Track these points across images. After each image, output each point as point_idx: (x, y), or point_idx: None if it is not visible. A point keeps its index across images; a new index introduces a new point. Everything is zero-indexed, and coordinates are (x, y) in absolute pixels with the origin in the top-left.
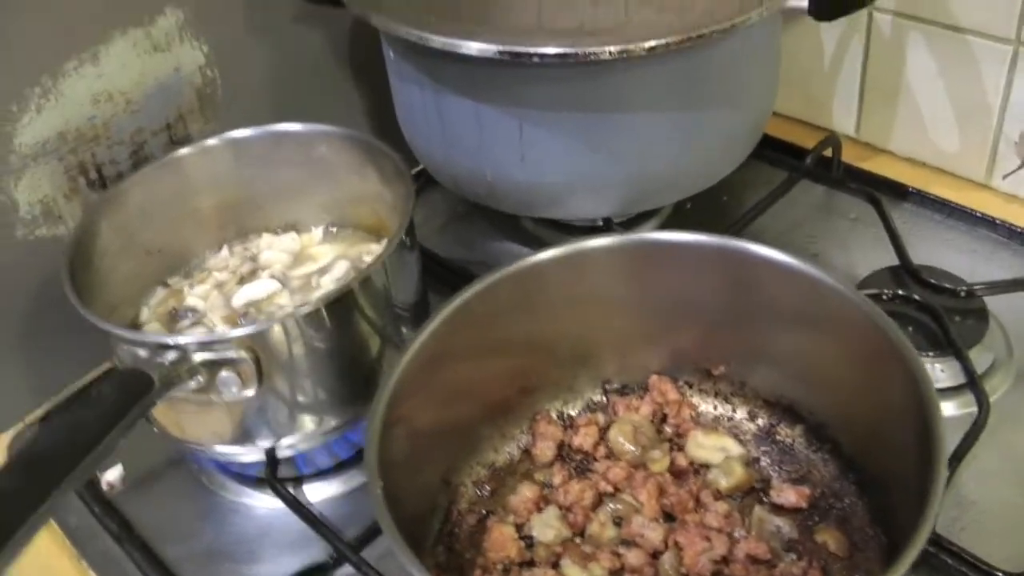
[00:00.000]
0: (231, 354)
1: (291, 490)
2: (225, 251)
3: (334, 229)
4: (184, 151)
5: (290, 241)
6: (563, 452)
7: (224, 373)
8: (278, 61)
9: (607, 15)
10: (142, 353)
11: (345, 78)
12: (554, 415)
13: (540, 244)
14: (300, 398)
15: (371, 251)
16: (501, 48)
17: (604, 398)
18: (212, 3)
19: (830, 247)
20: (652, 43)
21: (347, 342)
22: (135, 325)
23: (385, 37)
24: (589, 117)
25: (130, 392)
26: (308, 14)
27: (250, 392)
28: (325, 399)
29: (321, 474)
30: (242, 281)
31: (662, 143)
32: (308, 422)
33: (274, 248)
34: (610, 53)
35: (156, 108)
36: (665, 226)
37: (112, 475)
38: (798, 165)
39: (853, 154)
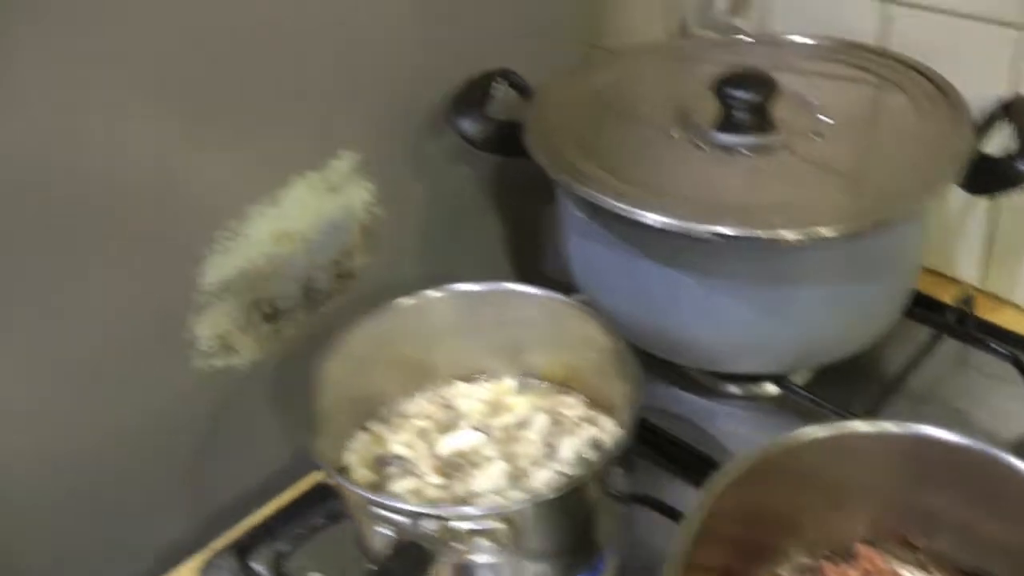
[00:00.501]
0: (491, 524)
1: None
2: (422, 398)
3: (524, 380)
4: (405, 301)
5: (484, 391)
6: None
7: (480, 541)
8: (434, 197)
9: (783, 191)
10: (406, 522)
11: (492, 213)
12: None
13: (704, 391)
14: (535, 558)
15: (566, 404)
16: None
17: (813, 562)
18: (382, 145)
19: (972, 406)
20: (833, 232)
21: (581, 506)
22: (342, 469)
23: (572, 198)
24: (767, 288)
25: (417, 566)
26: (464, 153)
27: (500, 557)
28: (553, 555)
29: None
30: (443, 430)
31: (830, 310)
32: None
33: (470, 397)
34: (796, 240)
35: (326, 244)
36: (816, 380)
37: None
38: (940, 321)
39: (980, 306)
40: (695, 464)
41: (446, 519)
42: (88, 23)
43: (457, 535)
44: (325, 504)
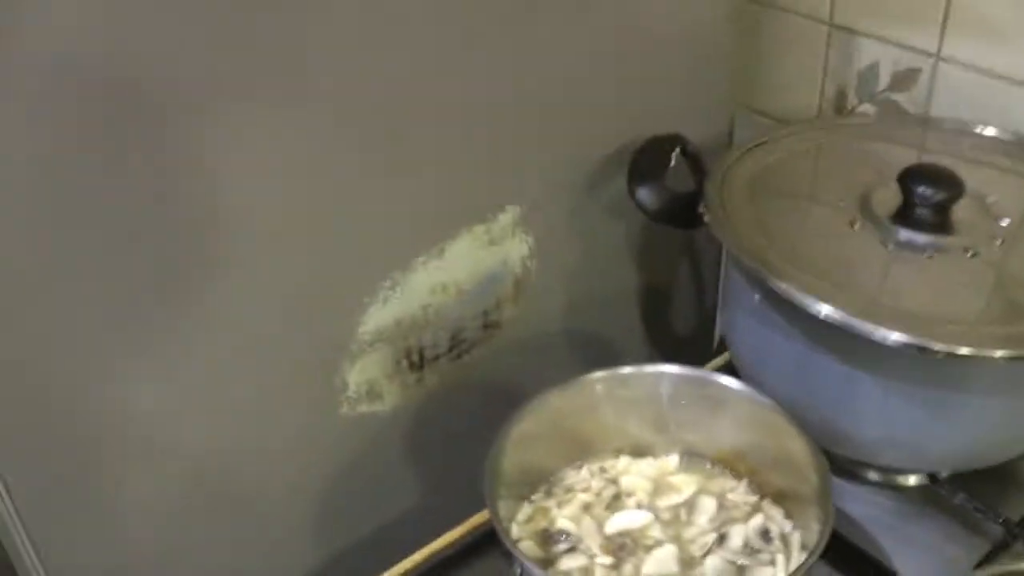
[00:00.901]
0: None
1: None
2: (585, 471)
3: (688, 457)
4: (588, 376)
5: (647, 467)
6: None
7: None
8: (585, 253)
9: (964, 300)
10: None
11: (636, 275)
12: None
13: (844, 473)
14: None
15: (731, 489)
16: (912, 341)
17: None
18: (546, 200)
19: None
20: (1007, 354)
21: None
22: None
23: (749, 281)
24: (939, 393)
25: None
26: (618, 214)
27: None
28: None
29: None
30: (606, 506)
31: (999, 420)
32: None
33: (632, 472)
34: (971, 356)
35: (480, 296)
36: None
37: None
38: None
39: None
40: (843, 550)
41: None
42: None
43: None
44: (472, 569)
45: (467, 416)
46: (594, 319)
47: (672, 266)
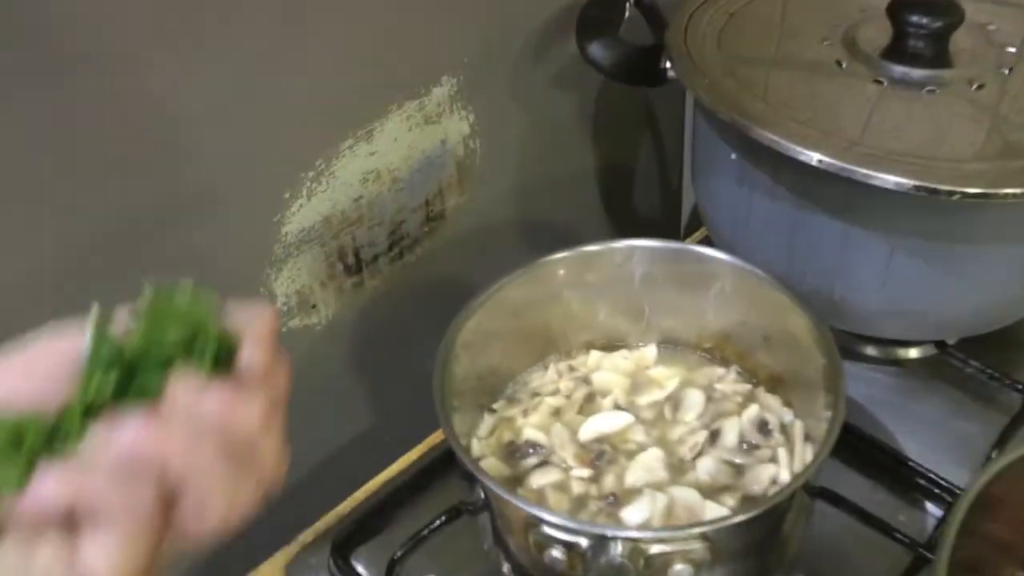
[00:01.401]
0: (693, 545)
1: None
2: (552, 371)
3: (667, 347)
4: (547, 259)
5: (622, 360)
6: None
7: (679, 567)
8: (531, 128)
9: (971, 136)
10: (582, 543)
11: (590, 151)
12: None
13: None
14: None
15: (720, 379)
16: (919, 183)
17: None
18: (483, 70)
19: None
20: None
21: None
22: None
23: (726, 138)
24: (958, 249)
25: None
26: (566, 82)
27: None
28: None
29: None
30: (581, 410)
31: (1011, 272)
32: None
33: (605, 368)
34: (984, 197)
35: (418, 184)
36: (962, 345)
37: None
38: None
39: None
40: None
41: (638, 541)
42: None
43: (649, 559)
44: (433, 493)
45: (414, 323)
46: (548, 204)
47: (632, 140)
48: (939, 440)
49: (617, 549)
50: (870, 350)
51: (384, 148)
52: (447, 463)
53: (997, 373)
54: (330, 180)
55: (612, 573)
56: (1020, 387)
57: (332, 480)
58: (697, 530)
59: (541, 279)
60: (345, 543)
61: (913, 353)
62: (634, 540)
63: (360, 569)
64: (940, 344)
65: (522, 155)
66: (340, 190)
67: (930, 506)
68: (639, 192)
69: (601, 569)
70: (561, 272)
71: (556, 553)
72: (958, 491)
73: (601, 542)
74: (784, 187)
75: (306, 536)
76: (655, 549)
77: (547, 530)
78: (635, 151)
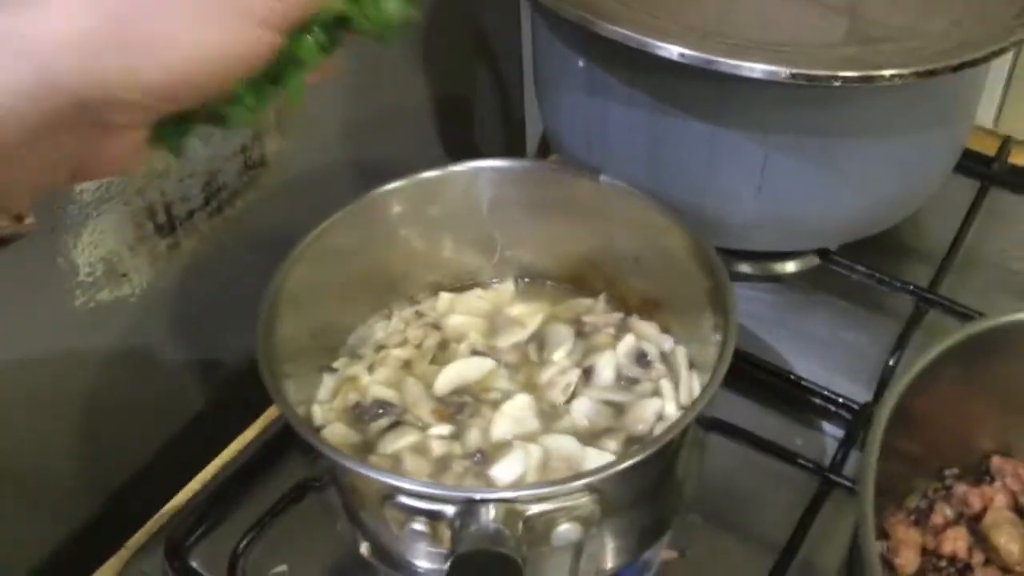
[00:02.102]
0: (580, 499)
1: None
2: (396, 320)
3: (526, 281)
4: (378, 191)
5: (476, 300)
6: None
7: (564, 526)
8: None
9: (843, 24)
10: (447, 511)
11: (419, 80)
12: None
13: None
14: (619, 530)
15: (588, 310)
16: (796, 71)
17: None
18: None
19: None
20: (905, 72)
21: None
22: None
23: (573, 44)
24: (834, 143)
25: None
26: None
27: (584, 539)
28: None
29: None
30: (435, 360)
31: (898, 166)
32: (595, 566)
33: (458, 311)
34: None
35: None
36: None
37: None
38: (987, 173)
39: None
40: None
41: (514, 502)
42: None
43: (528, 521)
44: (276, 474)
45: (242, 285)
46: (380, 144)
47: (466, 68)
48: (829, 356)
49: (490, 514)
50: (745, 267)
51: None
52: (289, 438)
53: (886, 276)
54: None
55: (487, 542)
56: (911, 287)
57: (163, 474)
58: (580, 482)
59: (373, 217)
60: (181, 542)
61: (791, 267)
62: (508, 501)
63: (200, 569)
64: (823, 252)
65: (347, 90)
66: None
67: (828, 427)
68: (479, 124)
69: (473, 539)
70: (396, 206)
71: (418, 526)
72: (855, 407)
73: (470, 508)
74: (643, 92)
75: (137, 539)
76: (534, 509)
77: (405, 500)
78: (471, 80)
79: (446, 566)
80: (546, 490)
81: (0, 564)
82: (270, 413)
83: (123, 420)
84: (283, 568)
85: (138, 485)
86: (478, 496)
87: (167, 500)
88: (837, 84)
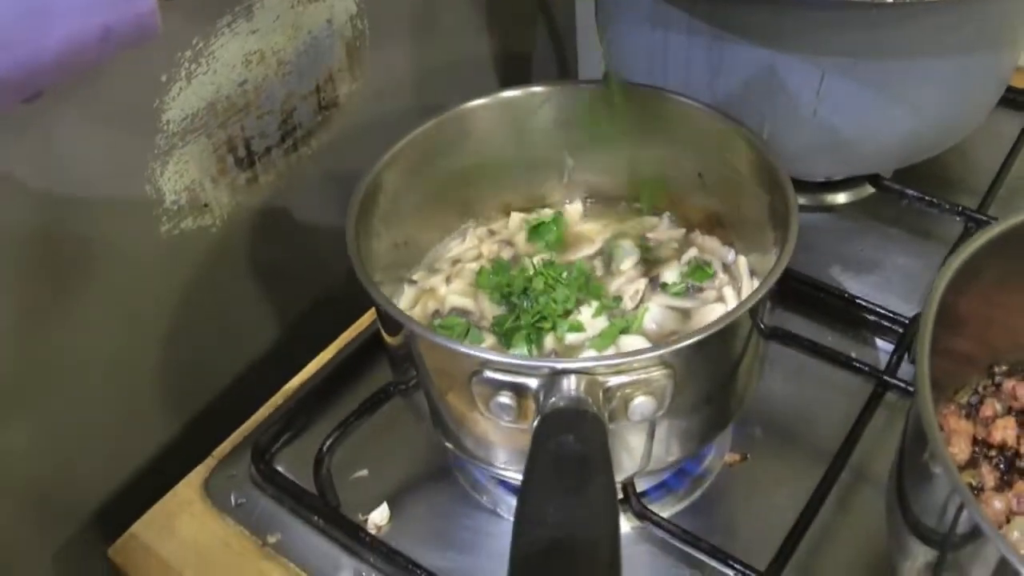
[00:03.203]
0: (654, 373)
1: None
2: (470, 236)
3: (592, 202)
4: (465, 106)
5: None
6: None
7: (640, 399)
8: (422, 9)
9: None
10: (532, 383)
11: (486, 28)
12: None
13: None
14: (688, 414)
15: (653, 228)
16: None
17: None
18: None
19: None
20: None
21: (737, 346)
22: None
23: None
24: (886, 66)
25: (595, 437)
26: None
27: (659, 414)
28: (703, 408)
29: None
30: None
31: (947, 89)
32: (665, 449)
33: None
34: None
35: (306, 68)
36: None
37: (378, 516)
38: None
39: None
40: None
41: (594, 372)
42: None
43: (608, 392)
44: (357, 385)
45: (311, 222)
46: (441, 91)
47: (524, 21)
48: (881, 278)
49: (572, 384)
50: (799, 199)
51: (266, 26)
52: (368, 353)
53: (936, 199)
54: (210, 61)
55: (568, 413)
56: (960, 207)
57: (244, 394)
58: (654, 353)
59: (455, 132)
60: (267, 447)
61: (842, 198)
62: (589, 372)
63: (285, 472)
64: (874, 179)
65: (415, 37)
66: (222, 73)
67: (880, 342)
68: (536, 74)
69: (555, 409)
70: (478, 123)
71: (504, 399)
72: (905, 320)
73: (553, 378)
74: (702, 20)
75: (223, 448)
76: (613, 381)
77: (492, 374)
78: (529, 32)
79: (534, 423)
80: (624, 360)
81: (94, 477)
82: (348, 334)
83: (205, 344)
84: (363, 472)
85: (221, 405)
86: (560, 366)
87: (250, 417)
88: (890, 2)
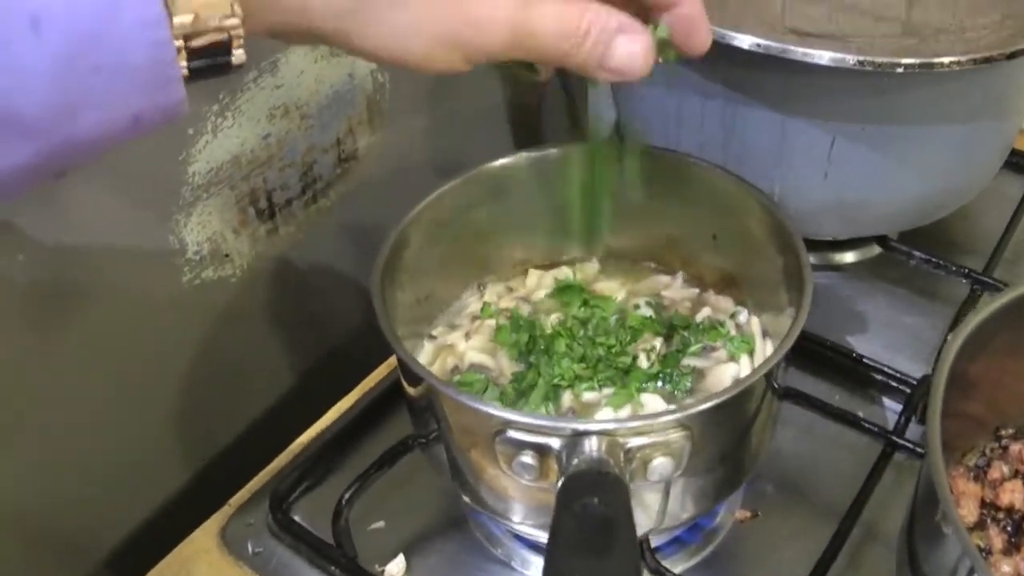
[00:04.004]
0: (672, 435)
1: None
2: (489, 293)
3: (608, 260)
4: (489, 166)
5: (562, 277)
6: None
7: (659, 460)
8: None
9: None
10: (555, 444)
11: (502, 82)
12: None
13: None
14: (702, 473)
15: (666, 286)
16: (862, 58)
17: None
18: None
19: None
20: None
21: (752, 407)
22: None
23: None
24: (895, 131)
25: (617, 498)
26: None
27: (676, 474)
28: (716, 468)
29: None
30: None
31: (954, 154)
32: (680, 507)
33: (545, 287)
34: (955, 64)
35: (328, 121)
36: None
37: (395, 568)
38: None
39: None
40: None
41: (615, 434)
42: None
43: (628, 454)
44: (375, 436)
45: (329, 271)
46: (462, 143)
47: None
48: (889, 338)
49: (594, 445)
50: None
51: (290, 81)
52: (386, 404)
53: (942, 261)
54: (236, 115)
55: (591, 475)
56: (966, 270)
57: (261, 442)
58: (673, 416)
59: (477, 189)
60: (285, 496)
61: (850, 257)
62: (610, 433)
63: (302, 521)
64: (881, 239)
65: (434, 91)
66: (247, 126)
67: (888, 402)
68: (547, 126)
69: (578, 471)
70: (496, 181)
71: (527, 459)
72: (913, 381)
73: (576, 439)
74: (716, 82)
75: (241, 496)
76: (633, 442)
77: (515, 434)
78: (548, 83)
79: (558, 485)
80: (644, 423)
81: (109, 522)
82: (365, 384)
83: (222, 392)
84: (380, 524)
85: (238, 452)
86: (583, 427)
87: (266, 465)
88: (899, 71)
